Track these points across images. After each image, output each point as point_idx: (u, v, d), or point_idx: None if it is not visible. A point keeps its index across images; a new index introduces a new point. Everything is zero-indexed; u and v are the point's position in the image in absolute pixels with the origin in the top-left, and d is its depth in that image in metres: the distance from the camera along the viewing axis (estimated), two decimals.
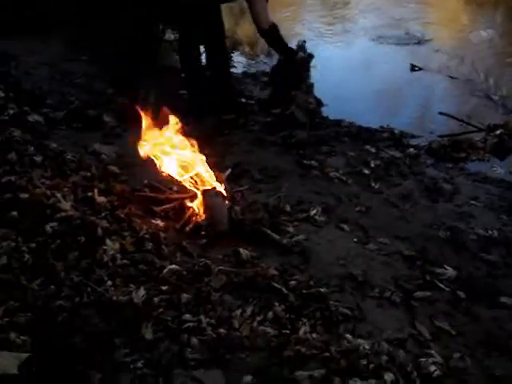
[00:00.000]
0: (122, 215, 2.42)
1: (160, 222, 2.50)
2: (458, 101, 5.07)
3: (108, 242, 2.18)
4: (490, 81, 5.31)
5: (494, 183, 3.63)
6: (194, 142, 2.72)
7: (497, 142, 4.10)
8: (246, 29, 6.97)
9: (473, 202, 3.35)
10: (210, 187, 2.57)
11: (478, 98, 5.06)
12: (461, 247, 2.82)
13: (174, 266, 2.15)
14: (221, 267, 2.25)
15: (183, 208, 2.60)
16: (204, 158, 2.72)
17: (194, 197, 2.58)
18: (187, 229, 2.48)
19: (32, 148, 3.02)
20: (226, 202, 2.56)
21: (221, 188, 2.61)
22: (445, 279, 2.51)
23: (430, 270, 2.57)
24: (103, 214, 2.41)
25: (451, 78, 5.42)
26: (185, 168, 2.67)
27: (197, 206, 2.54)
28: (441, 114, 4.62)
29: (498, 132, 4.18)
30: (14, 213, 2.31)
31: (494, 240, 2.89)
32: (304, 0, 8.53)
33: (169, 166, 2.67)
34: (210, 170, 2.70)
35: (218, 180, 2.67)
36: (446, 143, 4.11)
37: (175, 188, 2.78)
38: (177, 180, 2.68)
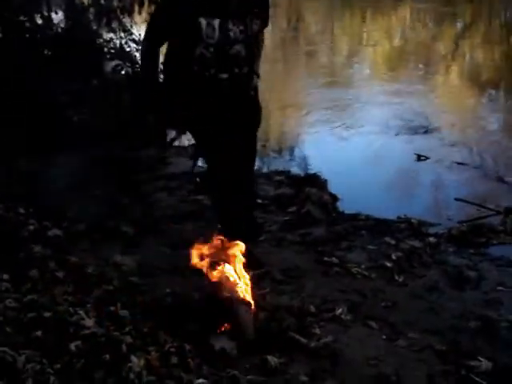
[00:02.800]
0: (146, 329, 2.40)
1: (186, 333, 2.46)
2: (471, 186, 5.09)
3: (133, 358, 2.13)
4: (499, 164, 5.36)
5: None
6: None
7: None
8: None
9: (500, 287, 3.29)
10: (234, 294, 2.54)
11: (490, 181, 5.10)
12: (493, 336, 2.75)
13: (201, 380, 2.10)
14: (249, 377, 2.20)
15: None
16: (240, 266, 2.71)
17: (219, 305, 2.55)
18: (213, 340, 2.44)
19: (53, 263, 3.04)
20: (251, 308, 2.53)
21: (246, 294, 2.59)
22: (481, 372, 2.43)
23: (465, 363, 2.50)
24: (127, 329, 2.37)
25: (460, 164, 5.47)
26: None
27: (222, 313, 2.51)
28: (457, 199, 4.63)
29: None
30: (38, 332, 2.29)
31: None
32: (307, 97, 8.76)
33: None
34: (234, 274, 2.68)
35: (241, 285, 2.65)
36: (465, 229, 4.09)
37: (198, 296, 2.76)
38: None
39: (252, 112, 3.57)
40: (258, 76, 3.48)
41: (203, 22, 3.29)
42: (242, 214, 3.76)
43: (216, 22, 3.30)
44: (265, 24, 3.44)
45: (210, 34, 3.34)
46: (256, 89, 3.52)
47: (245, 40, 3.33)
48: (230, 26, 3.31)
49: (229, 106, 3.47)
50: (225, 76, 3.39)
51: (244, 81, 3.43)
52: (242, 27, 3.33)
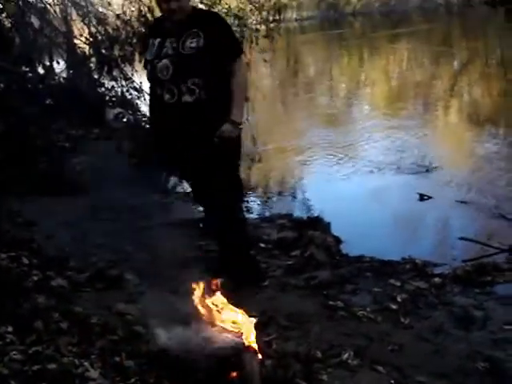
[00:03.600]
0: (152, 379, 2.37)
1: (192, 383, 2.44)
2: (474, 225, 5.10)
3: None
4: (501, 201, 5.37)
5: None
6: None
7: None
8: (257, 173, 7.21)
9: (507, 326, 3.26)
10: (239, 342, 2.52)
11: (492, 219, 5.11)
12: (502, 377, 2.73)
13: None
14: None
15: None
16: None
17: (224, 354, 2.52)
18: None
19: (57, 314, 3.02)
20: (257, 356, 2.51)
21: (251, 341, 2.56)
22: None
23: None
24: (132, 380, 2.36)
25: (462, 202, 5.49)
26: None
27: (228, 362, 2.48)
28: (461, 239, 4.63)
29: None
30: None
31: None
32: (307, 139, 8.82)
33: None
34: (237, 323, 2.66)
35: (246, 333, 2.62)
36: (470, 268, 4.08)
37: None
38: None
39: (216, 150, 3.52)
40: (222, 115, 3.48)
41: (150, 42, 3.66)
42: (240, 258, 3.80)
43: (157, 41, 3.60)
44: (220, 47, 3.48)
45: (150, 51, 3.64)
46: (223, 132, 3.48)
47: (173, 55, 3.49)
48: (167, 43, 3.54)
49: (182, 137, 3.57)
50: (168, 98, 3.51)
51: (196, 111, 3.48)
52: (174, 44, 3.51)
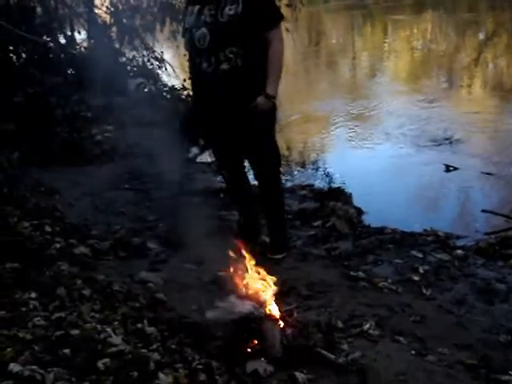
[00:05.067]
0: (173, 346, 2.39)
1: (213, 349, 2.45)
2: (497, 197, 5.05)
3: (161, 375, 2.13)
4: None
5: None
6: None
7: None
8: (279, 144, 7.16)
9: None
10: (261, 310, 2.52)
11: None
12: None
13: None
14: None
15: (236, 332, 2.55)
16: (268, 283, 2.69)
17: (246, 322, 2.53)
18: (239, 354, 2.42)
19: (80, 281, 3.04)
20: (279, 325, 2.51)
21: (272, 309, 2.57)
22: None
23: (496, 378, 2.46)
24: (154, 346, 2.37)
25: (488, 174, 5.41)
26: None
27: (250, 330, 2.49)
28: (484, 211, 4.58)
29: None
30: (66, 350, 2.29)
31: None
32: (330, 110, 8.75)
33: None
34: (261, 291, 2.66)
35: (268, 301, 2.62)
36: (493, 241, 4.04)
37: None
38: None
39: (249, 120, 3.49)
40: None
41: (188, 9, 3.58)
42: (276, 224, 3.83)
43: (195, 8, 3.51)
44: (259, 14, 3.39)
45: (188, 20, 3.57)
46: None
47: (211, 24, 3.41)
48: (205, 11, 3.45)
49: (216, 103, 3.55)
50: (206, 66, 3.48)
51: (232, 77, 3.43)
52: (213, 11, 3.42)
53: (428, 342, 2.76)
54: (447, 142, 6.53)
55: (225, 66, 3.42)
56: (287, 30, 8.49)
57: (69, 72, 7.23)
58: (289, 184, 5.60)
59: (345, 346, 2.62)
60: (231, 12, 3.36)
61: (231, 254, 2.77)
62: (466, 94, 9.48)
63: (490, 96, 9.22)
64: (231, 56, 3.40)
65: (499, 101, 8.62)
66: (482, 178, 5.39)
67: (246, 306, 2.53)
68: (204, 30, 3.44)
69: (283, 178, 5.74)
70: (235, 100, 3.48)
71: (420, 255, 3.84)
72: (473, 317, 3.06)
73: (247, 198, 3.95)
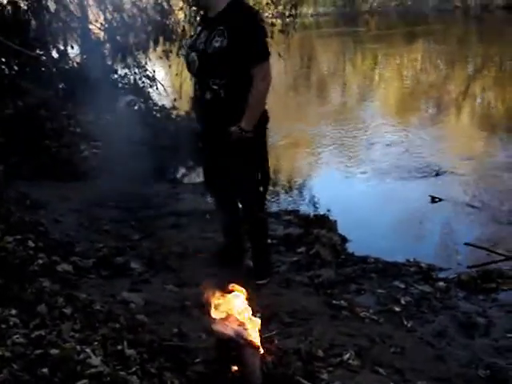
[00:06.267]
0: (153, 370, 2.38)
1: (192, 374, 2.44)
2: (482, 230, 5.07)
3: None
4: (511, 208, 5.35)
5: None
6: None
7: None
8: None
9: (509, 334, 3.26)
10: (242, 337, 2.51)
11: (501, 225, 5.08)
12: None
13: None
14: None
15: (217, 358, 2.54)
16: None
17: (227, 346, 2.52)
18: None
19: (62, 299, 3.02)
20: (259, 352, 2.50)
21: (253, 336, 2.56)
22: None
23: None
24: (134, 369, 2.36)
25: (472, 207, 5.46)
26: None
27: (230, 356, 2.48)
28: (466, 244, 4.61)
29: None
30: (45, 370, 2.28)
31: None
32: (317, 136, 8.81)
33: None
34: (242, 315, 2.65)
35: (249, 328, 2.62)
36: (475, 274, 4.06)
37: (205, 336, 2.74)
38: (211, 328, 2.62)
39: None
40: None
41: (197, 27, 3.71)
42: (259, 251, 3.85)
43: (198, 29, 3.63)
44: (245, 51, 3.37)
45: (191, 38, 3.82)
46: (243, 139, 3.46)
47: (201, 51, 3.47)
48: (202, 35, 3.52)
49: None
50: (196, 89, 3.59)
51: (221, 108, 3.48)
52: (204, 39, 3.48)
53: (407, 374, 2.76)
54: (434, 173, 6.57)
55: (208, 96, 3.47)
56: (279, 54, 8.61)
57: (60, 86, 7.23)
58: (274, 208, 5.61)
59: (324, 376, 2.62)
60: (217, 44, 3.38)
61: (214, 277, 2.77)
62: (453, 126, 9.59)
63: (477, 129, 9.32)
64: (215, 87, 3.44)
65: (486, 133, 8.71)
66: (467, 211, 5.43)
67: (227, 331, 2.52)
68: (194, 55, 3.50)
69: (269, 202, 5.81)
70: (215, 129, 3.56)
71: (402, 286, 3.86)
72: (453, 350, 3.08)
73: (233, 221, 3.95)
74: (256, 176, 3.65)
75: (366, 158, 7.50)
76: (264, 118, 3.59)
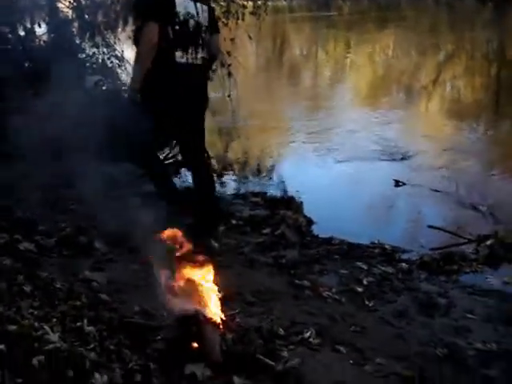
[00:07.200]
0: (112, 346, 2.37)
1: (151, 352, 2.44)
2: (445, 213, 5.14)
3: (96, 375, 2.11)
4: (474, 192, 5.43)
5: (489, 295, 3.61)
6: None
7: (488, 252, 4.12)
8: (235, 150, 7.20)
9: (469, 315, 3.31)
10: (202, 314, 2.51)
11: (465, 209, 5.16)
12: (460, 364, 2.75)
13: None
14: None
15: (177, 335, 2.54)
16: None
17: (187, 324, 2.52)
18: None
19: (22, 277, 3.00)
20: (219, 329, 2.51)
21: (214, 313, 2.56)
22: None
23: None
24: (92, 345, 2.35)
25: (436, 191, 5.52)
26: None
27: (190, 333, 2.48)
28: (430, 227, 4.67)
29: (488, 242, 4.22)
30: (2, 346, 2.26)
31: (493, 354, 2.84)
32: (288, 120, 8.82)
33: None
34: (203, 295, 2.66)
35: (210, 305, 2.62)
36: (437, 256, 4.12)
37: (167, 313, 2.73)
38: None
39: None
40: None
41: None
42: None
43: None
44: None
45: None
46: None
47: None
48: None
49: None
50: None
51: None
52: None
53: (367, 353, 2.78)
54: (400, 157, 6.64)
55: None
56: (250, 37, 8.55)
57: (26, 65, 7.09)
58: (241, 190, 5.62)
59: (285, 353, 2.63)
60: None
61: (177, 255, 2.77)
62: (422, 112, 9.68)
63: (445, 115, 9.42)
64: None
65: (453, 120, 8.81)
66: (431, 195, 5.49)
67: (188, 308, 2.53)
68: None
69: (237, 184, 5.81)
70: None
71: (365, 267, 3.90)
72: (412, 329, 3.11)
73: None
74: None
75: (334, 142, 7.55)
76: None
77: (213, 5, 7.62)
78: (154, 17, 3.62)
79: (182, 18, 3.73)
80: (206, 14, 3.90)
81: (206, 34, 3.90)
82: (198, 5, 3.83)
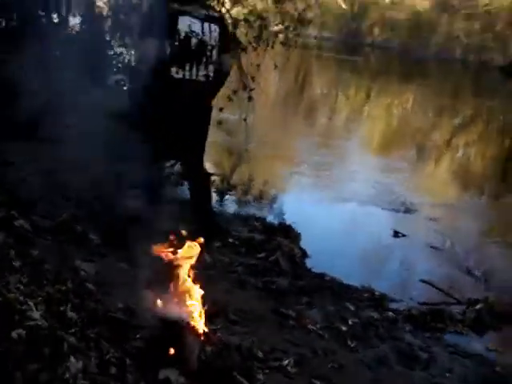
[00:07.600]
0: (92, 335, 2.34)
1: (129, 348, 2.41)
2: (439, 271, 5.14)
3: (72, 359, 2.09)
4: (471, 256, 5.44)
5: (469, 357, 3.60)
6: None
7: (476, 316, 4.11)
8: (241, 172, 7.21)
9: (448, 374, 3.30)
10: (185, 321, 2.49)
11: (459, 270, 5.16)
12: None
13: None
14: None
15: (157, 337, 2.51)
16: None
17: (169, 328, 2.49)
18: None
19: (13, 252, 2.98)
20: (199, 339, 2.48)
21: (197, 324, 2.54)
22: None
23: None
24: (72, 330, 2.33)
25: (434, 248, 5.53)
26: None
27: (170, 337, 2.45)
28: (422, 281, 4.67)
29: (477, 307, 4.20)
30: None
31: None
32: (298, 154, 8.86)
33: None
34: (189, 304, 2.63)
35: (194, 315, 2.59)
36: (425, 311, 4.10)
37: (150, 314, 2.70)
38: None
39: None
40: None
41: None
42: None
43: None
44: None
45: None
46: None
47: None
48: None
49: None
50: None
51: None
52: None
53: None
54: (403, 209, 6.63)
55: None
56: (276, 66, 8.63)
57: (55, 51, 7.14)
58: (242, 212, 5.61)
59: (260, 376, 2.61)
60: None
61: (170, 261, 2.74)
62: (432, 170, 9.73)
63: (453, 177, 9.47)
64: None
65: (461, 182, 8.88)
66: (428, 249, 5.50)
67: (172, 314, 2.50)
68: None
69: (240, 207, 5.83)
70: None
71: (352, 308, 3.88)
72: (389, 377, 3.10)
73: None
74: None
75: (338, 180, 7.58)
76: None
77: (243, 28, 7.73)
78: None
79: (183, 35, 3.84)
80: (215, 34, 3.98)
81: (211, 52, 3.97)
82: (206, 24, 3.92)
